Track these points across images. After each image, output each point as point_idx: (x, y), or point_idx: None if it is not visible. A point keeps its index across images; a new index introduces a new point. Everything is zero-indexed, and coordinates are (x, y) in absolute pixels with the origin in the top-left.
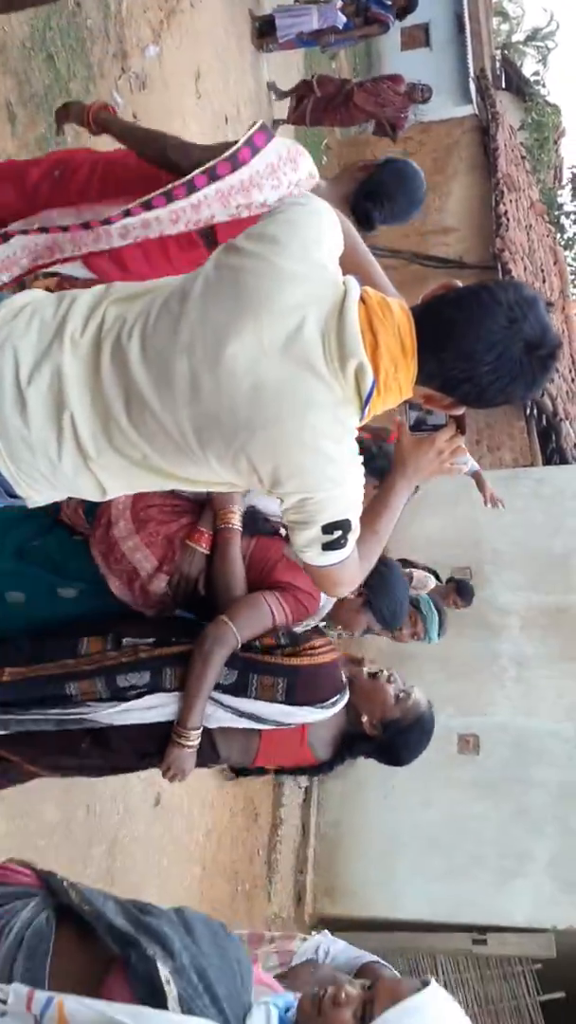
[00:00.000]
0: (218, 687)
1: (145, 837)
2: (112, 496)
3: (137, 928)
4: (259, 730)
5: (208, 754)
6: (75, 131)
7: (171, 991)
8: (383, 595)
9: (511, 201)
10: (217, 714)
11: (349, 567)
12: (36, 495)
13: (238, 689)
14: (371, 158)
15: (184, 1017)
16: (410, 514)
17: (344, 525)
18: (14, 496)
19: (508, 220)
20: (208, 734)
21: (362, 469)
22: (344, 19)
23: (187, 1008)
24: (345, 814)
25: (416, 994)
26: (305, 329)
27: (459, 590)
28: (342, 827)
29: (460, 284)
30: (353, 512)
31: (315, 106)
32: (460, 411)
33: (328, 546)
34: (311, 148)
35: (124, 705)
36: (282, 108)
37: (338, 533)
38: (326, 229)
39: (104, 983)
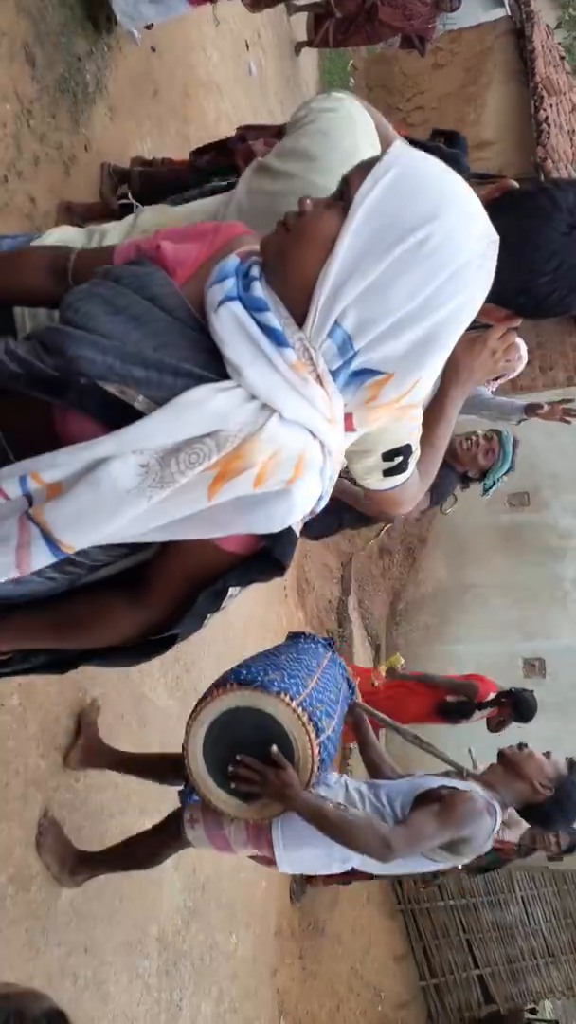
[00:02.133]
0: None
1: None
2: None
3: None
4: None
5: None
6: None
7: (134, 395)
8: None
9: (551, 106)
10: None
11: (411, 487)
12: None
13: None
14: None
15: (166, 410)
16: None
17: (405, 451)
18: None
19: (549, 127)
20: None
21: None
22: None
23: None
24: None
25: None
26: None
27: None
28: (410, 754)
29: (516, 185)
30: (414, 437)
31: (337, 27)
32: (517, 323)
33: (389, 472)
34: (336, 71)
35: None
36: (300, 27)
37: (399, 459)
38: (361, 133)
39: (57, 437)
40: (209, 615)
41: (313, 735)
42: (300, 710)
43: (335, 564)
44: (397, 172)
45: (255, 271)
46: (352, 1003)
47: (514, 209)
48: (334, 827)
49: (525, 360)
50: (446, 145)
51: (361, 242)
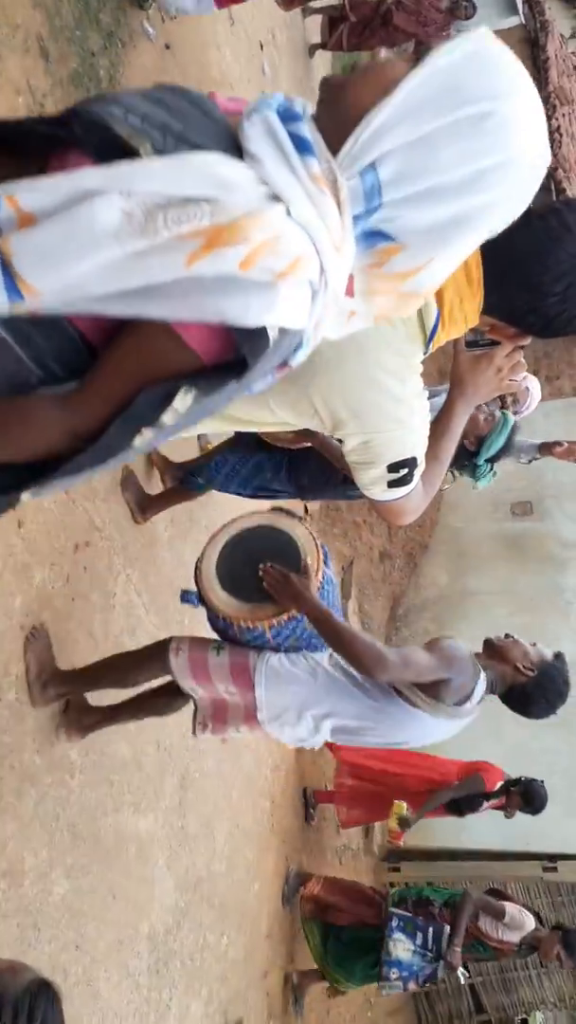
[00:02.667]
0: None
1: (215, 772)
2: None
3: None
4: None
5: None
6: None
7: (143, 143)
8: None
9: (564, 115)
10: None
11: (414, 498)
12: None
13: None
14: None
15: (171, 159)
16: None
17: (411, 463)
18: None
19: (561, 136)
20: None
21: (428, 404)
22: None
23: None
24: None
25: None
26: None
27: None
28: None
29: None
30: (419, 449)
31: (352, 31)
32: (525, 341)
33: (394, 483)
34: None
35: None
36: (315, 29)
37: (404, 471)
38: None
39: (50, 164)
40: (142, 437)
41: (322, 558)
42: (314, 533)
43: (335, 567)
44: (481, 46)
45: (299, 107)
46: (342, 1009)
47: (525, 229)
48: (337, 631)
49: (537, 400)
50: None
51: (425, 92)
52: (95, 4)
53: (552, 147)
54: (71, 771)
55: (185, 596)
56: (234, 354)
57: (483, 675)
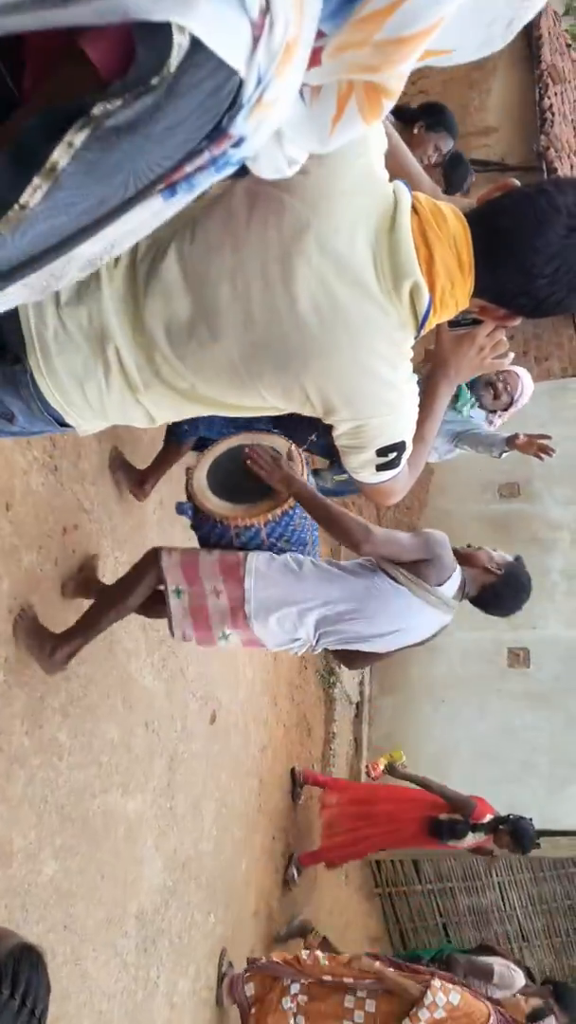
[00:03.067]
0: None
1: (203, 753)
2: (160, 423)
3: None
4: None
5: None
6: None
7: None
8: None
9: (556, 94)
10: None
11: (401, 480)
12: (85, 424)
13: None
14: None
15: None
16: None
17: (399, 447)
18: (64, 425)
19: (553, 115)
20: None
21: (416, 388)
22: None
23: None
24: (397, 727)
25: None
26: (356, 248)
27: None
28: (394, 739)
29: (518, 184)
30: (408, 433)
31: None
32: (515, 322)
33: (383, 467)
34: None
35: None
36: None
37: (393, 455)
38: (370, 130)
39: None
40: (34, 192)
41: (307, 471)
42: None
43: (323, 549)
44: None
45: None
46: None
47: (514, 210)
48: (326, 507)
49: (530, 392)
50: (430, 117)
51: None
52: None
53: (544, 126)
54: (60, 753)
55: (180, 508)
56: (136, 72)
57: (459, 569)
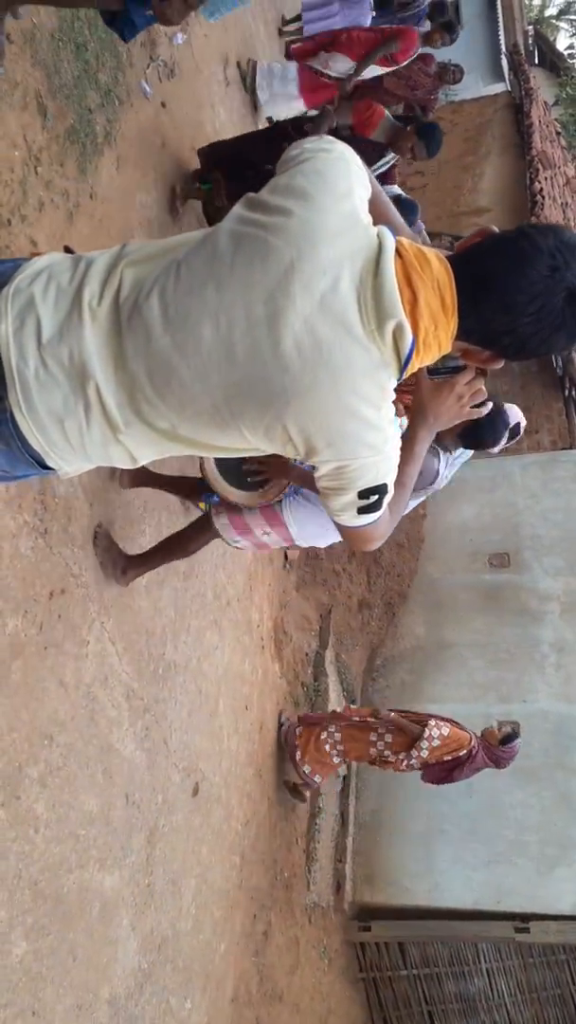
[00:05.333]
0: None
1: (184, 826)
2: (143, 463)
3: None
4: None
5: None
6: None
7: None
8: None
9: (546, 179)
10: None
11: (381, 525)
12: (67, 466)
13: None
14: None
15: None
16: (447, 500)
17: (381, 490)
18: (46, 467)
19: (543, 198)
20: None
21: (399, 432)
22: (372, 16)
23: None
24: (384, 802)
25: None
26: (340, 289)
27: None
28: (381, 815)
29: (497, 230)
30: (390, 476)
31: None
32: (499, 364)
33: (364, 510)
34: None
35: None
36: None
37: (375, 498)
38: (355, 176)
39: None
40: None
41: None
42: None
43: (314, 616)
44: None
45: None
46: None
47: (497, 252)
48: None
49: (523, 424)
50: (419, 131)
51: None
52: (94, 64)
53: (534, 208)
54: (36, 825)
55: (207, 497)
56: None
57: (442, 456)
